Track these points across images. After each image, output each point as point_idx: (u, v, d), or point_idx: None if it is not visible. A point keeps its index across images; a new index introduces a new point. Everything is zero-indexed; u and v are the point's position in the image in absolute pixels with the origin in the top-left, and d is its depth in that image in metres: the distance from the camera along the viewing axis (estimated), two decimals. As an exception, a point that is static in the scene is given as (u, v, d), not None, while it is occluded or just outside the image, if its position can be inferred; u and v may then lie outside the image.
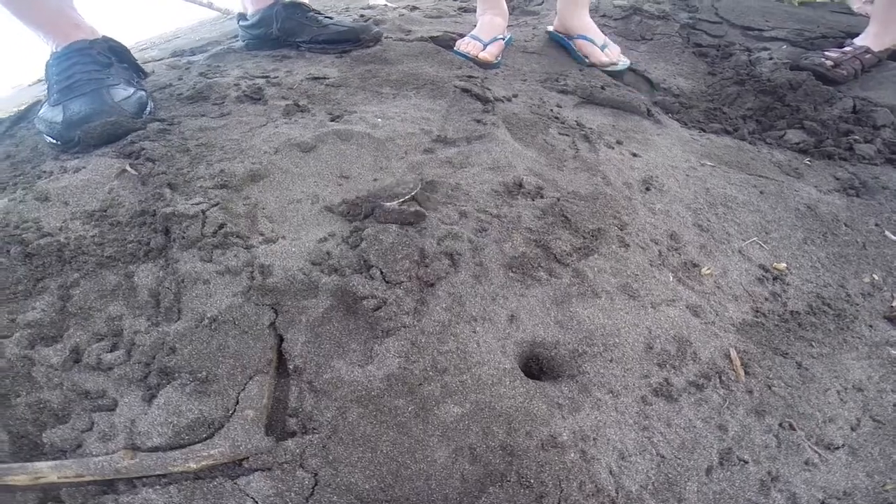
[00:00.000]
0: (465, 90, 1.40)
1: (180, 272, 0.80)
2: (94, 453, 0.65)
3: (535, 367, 0.79)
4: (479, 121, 1.28)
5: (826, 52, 1.76)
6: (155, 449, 0.64)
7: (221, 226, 0.86)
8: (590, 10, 1.85)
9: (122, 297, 0.80)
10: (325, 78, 1.56)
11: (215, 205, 0.92)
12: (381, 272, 0.79)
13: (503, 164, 1.13)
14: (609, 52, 1.78)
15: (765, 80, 1.73)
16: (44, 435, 0.67)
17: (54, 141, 1.20)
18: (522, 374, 0.73)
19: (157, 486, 0.62)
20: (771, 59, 1.82)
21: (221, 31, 2.63)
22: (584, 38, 1.81)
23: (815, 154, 1.51)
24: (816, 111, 1.62)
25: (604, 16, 2.28)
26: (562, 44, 1.94)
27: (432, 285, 0.79)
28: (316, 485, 0.62)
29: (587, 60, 1.80)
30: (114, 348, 0.76)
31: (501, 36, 1.83)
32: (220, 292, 0.78)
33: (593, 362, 0.76)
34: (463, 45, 1.78)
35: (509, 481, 0.63)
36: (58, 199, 0.95)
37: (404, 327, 0.75)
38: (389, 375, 0.70)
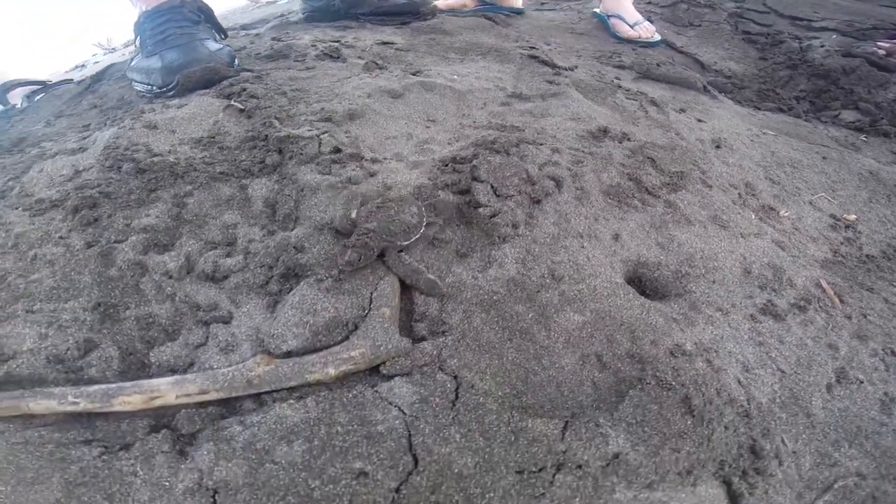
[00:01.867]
0: (532, 56, 1.50)
1: (300, 182, 0.88)
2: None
3: (639, 288, 0.85)
4: (550, 81, 1.37)
5: (878, 42, 1.86)
6: (288, 354, 0.64)
7: (337, 149, 0.95)
8: (636, -3, 2.03)
9: (237, 207, 0.86)
10: (392, 43, 1.67)
11: (324, 133, 1.01)
12: (493, 187, 0.87)
13: (583, 116, 1.21)
14: (640, 30, 2.01)
15: (818, 64, 1.83)
16: (152, 353, 0.66)
17: (149, 87, 1.31)
18: (633, 290, 0.79)
19: (291, 401, 0.59)
20: (822, 46, 1.92)
21: (255, 17, 2.79)
22: (618, 16, 2.07)
23: (871, 132, 1.59)
24: (871, 94, 1.71)
25: (650, 3, 2.40)
26: (601, 20, 2.17)
27: (539, 202, 0.87)
28: (458, 388, 0.62)
29: (619, 35, 2.04)
30: (229, 255, 0.79)
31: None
32: (342, 201, 0.86)
33: (697, 283, 0.82)
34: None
35: (649, 384, 0.64)
36: (165, 127, 1.03)
37: (518, 235, 0.81)
38: (509, 280, 0.75)
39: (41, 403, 0.58)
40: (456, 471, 0.54)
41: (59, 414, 0.59)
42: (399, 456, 0.55)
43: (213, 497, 0.54)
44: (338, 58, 1.48)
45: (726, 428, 0.64)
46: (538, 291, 0.75)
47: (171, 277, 0.76)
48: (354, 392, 0.61)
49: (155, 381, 0.60)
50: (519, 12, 2.19)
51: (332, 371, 0.61)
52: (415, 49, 1.63)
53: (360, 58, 1.51)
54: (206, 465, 0.55)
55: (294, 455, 0.55)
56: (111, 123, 1.17)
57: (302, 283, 0.73)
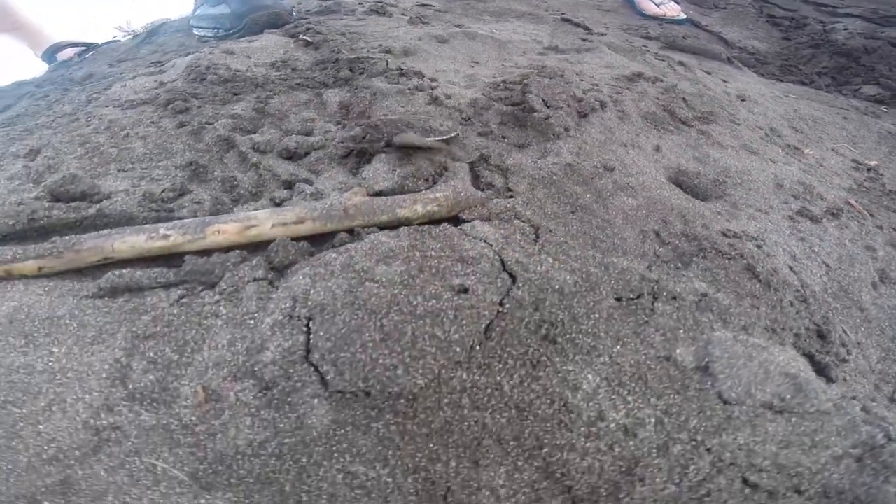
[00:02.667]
0: (565, 20, 1.61)
1: (372, 88, 0.98)
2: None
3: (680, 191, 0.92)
4: (584, 39, 1.48)
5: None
6: (379, 194, 0.71)
7: (400, 68, 1.05)
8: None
9: (314, 108, 0.96)
10: (431, 5, 1.79)
11: (388, 58, 1.11)
12: (543, 100, 0.97)
13: (616, 66, 1.31)
14: (665, 8, 2.12)
15: (840, 44, 1.92)
16: (237, 209, 0.72)
17: (217, 30, 1.43)
18: (678, 188, 0.88)
19: (380, 232, 0.65)
20: (846, 29, 2.01)
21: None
22: None
23: (891, 104, 1.68)
24: (892, 71, 1.80)
25: (675, -13, 2.51)
26: (627, 2, 2.28)
27: (586, 115, 0.96)
28: (538, 230, 0.69)
29: (645, 13, 2.14)
30: (309, 136, 0.85)
31: None
32: (410, 103, 0.95)
33: (735, 189, 0.90)
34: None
35: (710, 254, 0.71)
36: (241, 53, 1.15)
37: (570, 136, 0.91)
38: (565, 166, 0.84)
39: (127, 241, 0.58)
40: (557, 287, 0.57)
41: (146, 253, 0.59)
42: (496, 273, 0.58)
43: (307, 326, 0.52)
44: (384, 13, 1.60)
45: (791, 304, 0.68)
46: (593, 178, 0.83)
47: (256, 150, 0.83)
48: (441, 227, 0.66)
49: (251, 212, 0.63)
50: None
51: (419, 209, 0.66)
52: (451, 11, 1.75)
53: (403, 14, 1.62)
54: (301, 290, 0.54)
55: (393, 274, 0.56)
56: (186, 55, 1.27)
57: (379, 155, 0.81)
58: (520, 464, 0.44)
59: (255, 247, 0.64)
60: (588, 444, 0.45)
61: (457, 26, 1.46)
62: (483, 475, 0.42)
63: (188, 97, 0.93)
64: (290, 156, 0.85)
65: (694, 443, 0.47)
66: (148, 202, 0.69)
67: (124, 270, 0.58)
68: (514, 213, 0.72)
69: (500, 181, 0.81)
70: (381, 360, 0.46)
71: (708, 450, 0.46)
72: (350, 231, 0.66)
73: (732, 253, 0.73)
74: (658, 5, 2.16)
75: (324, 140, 0.87)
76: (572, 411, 0.47)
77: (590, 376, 0.49)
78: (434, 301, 0.53)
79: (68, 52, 1.81)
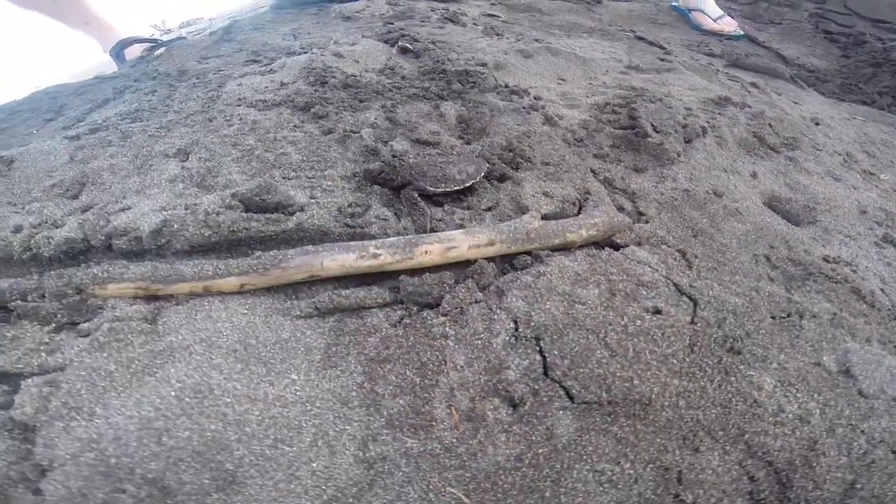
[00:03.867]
0: (638, 37, 1.69)
1: (488, 104, 1.06)
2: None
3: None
4: (662, 59, 1.55)
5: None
6: (544, 217, 0.78)
7: (507, 85, 1.14)
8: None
9: (435, 121, 1.05)
10: (497, 16, 1.87)
11: (470, 69, 1.20)
12: (653, 125, 1.06)
13: (699, 88, 1.39)
14: (723, 24, 2.18)
15: (899, 64, 1.98)
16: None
17: None
18: (775, 214, 0.97)
19: (560, 256, 0.73)
20: (903, 48, 2.08)
21: (309, 0, 3.04)
22: (701, 10, 2.24)
23: (952, 128, 1.74)
24: (950, 93, 1.86)
25: None
26: (681, 14, 2.35)
27: (690, 141, 1.06)
28: (685, 255, 0.80)
29: (701, 28, 2.21)
30: (441, 155, 0.90)
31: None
32: (527, 123, 1.04)
33: (825, 215, 0.99)
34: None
35: (819, 277, 0.81)
36: (349, 57, 1.23)
37: (681, 161, 1.00)
38: (683, 191, 0.94)
39: (337, 259, 0.60)
40: (731, 308, 0.69)
41: (353, 272, 0.62)
42: (677, 297, 0.68)
43: (538, 345, 0.57)
44: (458, 23, 1.68)
45: (891, 320, 0.77)
46: (706, 203, 0.93)
47: (396, 156, 0.90)
48: (606, 252, 0.75)
49: (450, 232, 0.68)
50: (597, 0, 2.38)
51: (584, 233, 0.74)
52: (518, 23, 1.83)
53: (475, 24, 1.70)
54: (522, 312, 0.62)
55: (592, 297, 0.65)
56: (294, 54, 1.34)
57: (528, 171, 0.90)
58: (728, 448, 0.54)
59: (449, 266, 0.70)
60: (777, 430, 0.56)
61: (536, 41, 1.54)
62: (703, 459, 0.53)
63: (321, 102, 1.02)
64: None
65: (850, 426, 0.58)
66: (343, 217, 0.74)
67: (346, 291, 0.63)
68: (659, 239, 0.82)
69: (630, 205, 0.91)
70: (618, 374, 0.55)
71: (862, 431, 0.58)
72: (528, 253, 0.73)
73: (837, 277, 0.82)
74: (715, 20, 2.22)
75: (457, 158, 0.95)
76: (760, 406, 0.58)
77: (767, 379, 0.61)
78: (639, 321, 0.62)
79: (136, 49, 1.90)
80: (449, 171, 0.82)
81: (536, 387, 0.55)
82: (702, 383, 0.58)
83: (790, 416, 0.58)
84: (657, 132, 1.04)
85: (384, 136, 0.96)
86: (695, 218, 0.89)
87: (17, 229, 0.73)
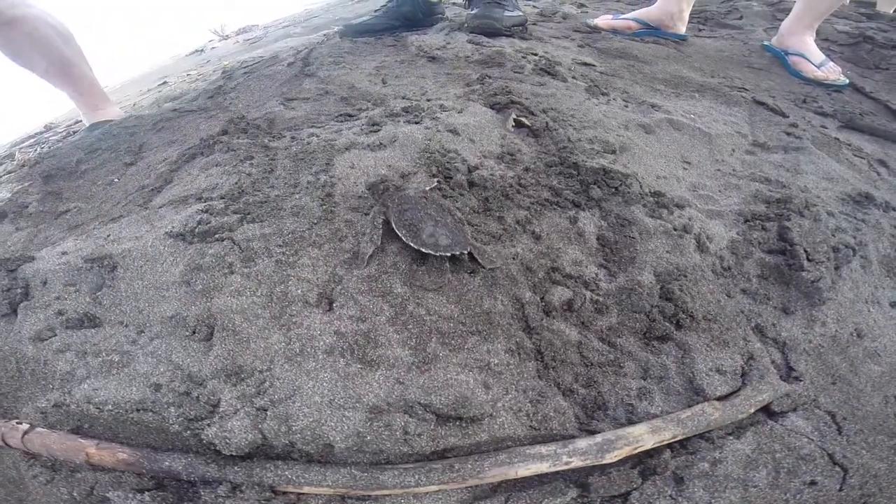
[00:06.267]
0: (758, 102, 1.58)
1: (635, 221, 1.00)
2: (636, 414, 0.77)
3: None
4: (788, 133, 1.45)
5: None
6: (719, 398, 0.79)
7: (656, 192, 1.07)
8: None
9: (575, 242, 0.97)
10: (592, 65, 1.77)
11: (630, 171, 1.11)
12: (805, 250, 0.98)
13: (833, 177, 1.30)
14: (826, 71, 2.03)
15: None
16: (594, 419, 0.79)
17: None
18: None
19: (731, 438, 0.75)
20: None
21: (357, 12, 2.97)
22: (801, 55, 2.08)
23: None
24: None
25: (826, 39, 2.42)
26: (777, 57, 2.19)
27: (839, 268, 1.00)
28: (835, 418, 0.81)
29: (802, 75, 2.06)
30: (577, 297, 0.87)
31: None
32: (680, 251, 0.98)
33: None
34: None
35: None
36: (464, 134, 1.15)
37: (829, 299, 0.95)
38: (830, 336, 0.90)
39: (531, 468, 0.64)
40: (873, 473, 0.72)
41: (544, 475, 0.66)
42: (830, 467, 0.73)
43: None
44: (556, 76, 1.59)
45: None
46: (848, 347, 0.90)
47: (539, 315, 0.87)
48: (769, 426, 0.78)
49: (634, 430, 0.71)
50: (682, 38, 2.24)
51: (751, 409, 0.77)
52: (618, 75, 1.72)
53: (573, 77, 1.61)
54: (704, 501, 0.67)
55: (762, 478, 0.70)
56: (398, 119, 1.25)
57: (691, 332, 0.87)
58: None
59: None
60: None
61: (652, 107, 1.44)
62: None
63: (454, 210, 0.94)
64: (583, 324, 0.88)
65: None
66: (529, 420, 0.73)
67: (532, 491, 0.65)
68: (812, 401, 0.82)
69: (780, 357, 0.88)
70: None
71: None
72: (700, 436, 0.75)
73: None
74: (818, 67, 2.06)
75: (600, 307, 0.90)
76: None
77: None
78: (796, 496, 0.71)
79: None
80: (425, 231, 0.82)
81: None
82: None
83: None
84: (810, 260, 0.98)
85: (534, 264, 0.91)
86: (836, 364, 0.88)
87: (156, 387, 0.70)
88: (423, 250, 0.79)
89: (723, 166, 1.28)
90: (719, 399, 0.77)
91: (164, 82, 2.64)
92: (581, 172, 1.08)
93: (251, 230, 0.87)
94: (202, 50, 3.13)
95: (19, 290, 0.89)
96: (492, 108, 1.30)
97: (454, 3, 2.56)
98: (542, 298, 0.88)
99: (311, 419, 0.64)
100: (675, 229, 1.02)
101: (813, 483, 0.71)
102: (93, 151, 1.52)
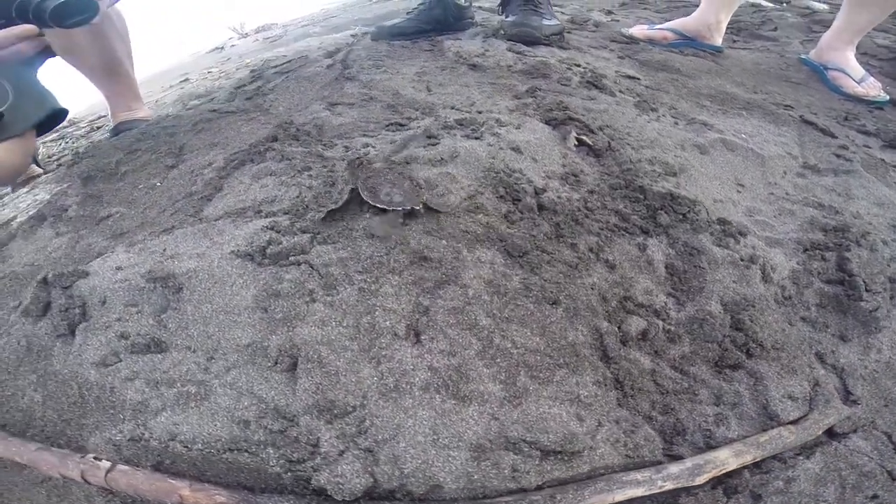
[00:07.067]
0: (806, 122, 1.56)
1: (703, 250, 1.00)
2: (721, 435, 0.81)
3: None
4: (838, 156, 1.44)
5: None
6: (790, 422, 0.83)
7: (722, 220, 1.06)
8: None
9: (646, 270, 0.98)
10: (637, 78, 1.74)
11: (689, 195, 1.10)
12: (864, 282, 1.01)
13: (885, 202, 1.29)
14: (867, 87, 2.00)
15: None
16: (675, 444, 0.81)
17: None
18: None
19: (801, 458, 0.80)
20: None
21: (376, 13, 2.93)
22: (841, 70, 2.05)
23: None
24: None
25: (865, 53, 2.41)
26: (815, 71, 2.16)
27: (893, 297, 1.03)
28: (891, 437, 0.85)
29: (842, 91, 2.02)
30: (651, 327, 0.88)
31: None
32: (747, 282, 0.98)
33: None
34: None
35: None
36: (527, 153, 1.14)
37: (885, 327, 0.98)
38: (885, 363, 0.94)
39: (628, 493, 0.67)
40: None
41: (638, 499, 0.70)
42: (889, 483, 0.79)
43: None
44: (603, 89, 1.56)
45: None
46: None
47: (622, 345, 0.89)
48: (833, 448, 0.83)
49: (720, 454, 0.75)
50: (719, 50, 2.21)
51: (818, 431, 0.82)
52: (663, 89, 1.70)
53: (621, 91, 1.58)
54: None
55: (830, 494, 0.75)
56: (453, 132, 1.23)
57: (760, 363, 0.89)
58: None
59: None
60: None
61: (704, 125, 1.43)
62: None
63: (531, 242, 0.93)
64: (656, 353, 0.89)
65: None
66: (625, 450, 0.76)
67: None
68: (870, 423, 0.88)
69: (838, 382, 0.92)
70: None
71: None
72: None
73: None
74: (858, 82, 2.04)
75: (672, 336, 0.91)
76: None
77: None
78: None
79: None
80: (382, 192, 0.95)
81: None
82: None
83: None
84: (868, 291, 1.01)
85: (610, 296, 0.90)
86: (889, 388, 0.92)
87: (244, 424, 0.69)
88: (379, 206, 0.93)
89: (776, 189, 1.27)
90: (792, 423, 0.83)
91: (186, 79, 2.59)
92: (647, 197, 1.07)
93: (326, 253, 0.85)
94: (222, 47, 3.08)
95: (77, 311, 0.86)
96: (548, 123, 1.27)
97: (480, 7, 2.52)
98: (619, 328, 0.89)
99: (419, 460, 0.64)
100: (742, 259, 1.03)
101: (875, 497, 0.77)
102: (132, 152, 1.49)
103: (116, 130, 1.77)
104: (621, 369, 0.83)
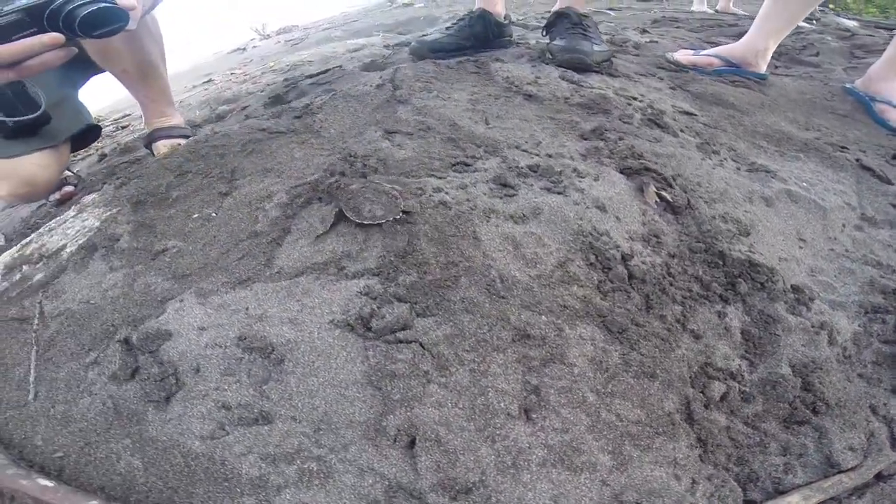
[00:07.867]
0: (864, 167, 1.58)
1: (778, 319, 1.04)
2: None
3: None
4: (894, 206, 1.45)
5: None
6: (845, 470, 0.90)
7: (795, 287, 1.07)
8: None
9: (722, 337, 1.01)
10: (693, 114, 1.73)
11: (767, 263, 1.12)
12: None
13: (941, 261, 1.31)
14: None
15: None
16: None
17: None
18: None
19: (854, 497, 0.87)
20: None
21: (397, 19, 2.86)
22: (890, 103, 2.03)
23: None
24: None
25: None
26: (861, 102, 2.14)
27: None
28: None
29: (889, 125, 2.01)
30: (729, 390, 0.94)
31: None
32: (816, 347, 1.02)
33: None
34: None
35: None
36: (610, 211, 1.14)
37: None
38: None
39: None
40: None
41: None
42: None
43: None
44: (665, 128, 1.56)
45: None
46: None
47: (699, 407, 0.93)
48: (880, 487, 0.90)
49: (792, 499, 0.83)
50: (763, 78, 2.20)
51: (871, 475, 0.90)
52: (720, 127, 1.70)
53: (681, 130, 1.58)
54: None
55: None
56: (529, 181, 1.22)
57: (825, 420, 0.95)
58: None
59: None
60: None
61: (768, 173, 1.43)
62: None
63: (627, 317, 0.95)
64: (732, 411, 0.93)
65: None
66: None
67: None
68: None
69: (887, 432, 0.98)
70: None
71: None
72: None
73: None
74: None
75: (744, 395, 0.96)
76: None
77: None
78: None
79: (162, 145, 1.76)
80: (364, 209, 1.03)
81: None
82: None
83: None
84: None
85: (690, 372, 0.93)
86: None
87: (374, 503, 0.68)
88: (365, 223, 1.02)
89: (835, 245, 1.29)
90: (851, 469, 0.91)
91: (210, 80, 2.51)
92: (726, 263, 1.09)
93: (430, 329, 0.86)
94: (244, 48, 3.01)
95: (172, 379, 0.85)
96: (622, 172, 1.27)
97: (512, 23, 2.46)
98: (702, 392, 0.94)
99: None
100: (813, 326, 1.08)
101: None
102: (182, 174, 1.45)
103: (151, 138, 1.73)
104: (703, 429, 0.90)
